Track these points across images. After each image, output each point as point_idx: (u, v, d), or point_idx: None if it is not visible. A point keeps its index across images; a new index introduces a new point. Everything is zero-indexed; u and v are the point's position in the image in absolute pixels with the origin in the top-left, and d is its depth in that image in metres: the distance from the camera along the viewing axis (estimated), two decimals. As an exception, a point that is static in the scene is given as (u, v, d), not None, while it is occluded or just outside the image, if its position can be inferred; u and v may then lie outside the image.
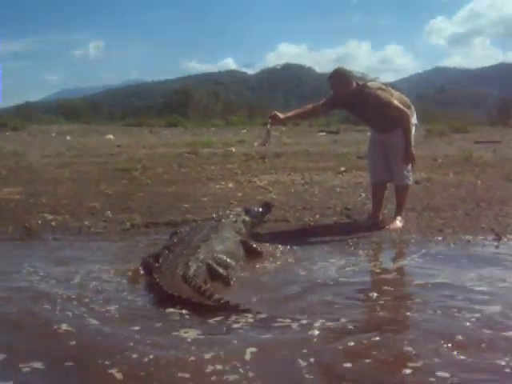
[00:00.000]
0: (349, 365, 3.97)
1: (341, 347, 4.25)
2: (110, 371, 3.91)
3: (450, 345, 4.26)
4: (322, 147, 24.19)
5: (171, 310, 5.15)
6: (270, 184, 12.91)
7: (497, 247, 7.56)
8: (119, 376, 3.86)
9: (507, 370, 3.87)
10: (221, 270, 6.29)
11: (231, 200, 10.86)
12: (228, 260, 6.60)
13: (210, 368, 3.93)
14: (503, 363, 3.96)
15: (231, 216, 7.84)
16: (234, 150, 23.06)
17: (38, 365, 4.05)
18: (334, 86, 8.69)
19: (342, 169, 15.20)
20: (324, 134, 36.41)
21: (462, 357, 4.06)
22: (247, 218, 8.01)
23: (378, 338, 4.39)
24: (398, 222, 8.73)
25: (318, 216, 9.50)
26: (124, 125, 56.02)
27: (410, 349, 4.20)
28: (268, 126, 8.95)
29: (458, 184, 12.65)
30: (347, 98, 8.66)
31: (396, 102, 8.43)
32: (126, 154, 21.46)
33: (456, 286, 5.78)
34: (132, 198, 11.46)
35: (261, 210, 8.43)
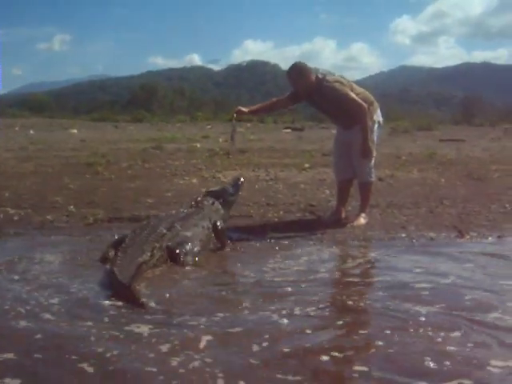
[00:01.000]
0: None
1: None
2: (81, 365, 3.88)
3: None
4: (287, 144, 24.26)
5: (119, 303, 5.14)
6: (234, 179, 12.79)
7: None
8: (90, 370, 3.83)
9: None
10: (178, 252, 6.59)
11: (196, 195, 10.77)
12: (189, 245, 6.79)
13: (173, 359, 3.95)
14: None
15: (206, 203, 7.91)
16: (198, 145, 23.04)
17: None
18: (292, 80, 8.69)
19: (307, 165, 15.24)
20: (289, 130, 36.46)
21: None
22: (219, 206, 8.04)
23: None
24: (362, 219, 8.74)
25: (281, 212, 9.49)
26: (89, 119, 55.77)
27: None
28: (233, 121, 8.99)
29: (421, 182, 12.77)
30: (307, 91, 8.67)
31: (352, 95, 8.43)
32: (90, 148, 21.27)
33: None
34: (95, 192, 11.36)
35: (232, 188, 8.46)
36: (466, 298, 5.25)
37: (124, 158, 17.52)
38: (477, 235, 8.09)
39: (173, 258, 6.59)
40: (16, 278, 5.91)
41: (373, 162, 8.77)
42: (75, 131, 35.22)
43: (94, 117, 58.39)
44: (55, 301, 5.19)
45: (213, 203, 7.97)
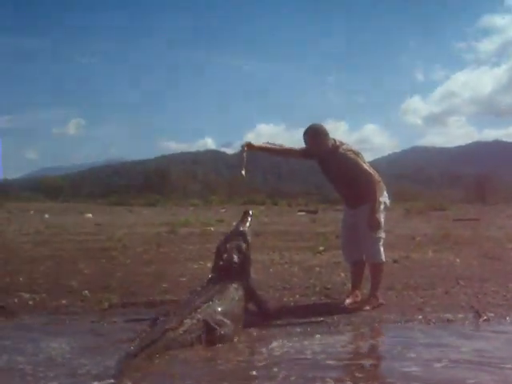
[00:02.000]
0: None
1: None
2: None
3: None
4: (301, 227, 24.31)
5: None
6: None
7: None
8: None
9: None
10: (215, 327, 6.49)
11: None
12: (225, 320, 6.70)
13: None
14: None
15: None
16: (212, 229, 23.08)
17: None
18: (307, 139, 8.59)
19: (321, 248, 15.17)
20: (303, 213, 36.53)
21: None
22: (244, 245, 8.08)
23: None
24: (373, 302, 8.59)
25: (297, 296, 9.39)
26: (104, 204, 56.15)
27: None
28: (244, 153, 8.72)
29: (436, 262, 12.65)
30: (320, 155, 8.63)
31: (365, 166, 8.35)
32: (105, 232, 21.39)
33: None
34: (110, 277, 11.33)
35: (241, 227, 8.42)
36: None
37: (139, 243, 17.54)
38: (494, 315, 8.00)
39: (209, 331, 6.48)
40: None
41: (381, 242, 8.60)
42: (90, 215, 35.45)
43: (109, 201, 58.84)
44: None
45: (237, 261, 7.84)
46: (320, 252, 14.73)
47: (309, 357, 6.18)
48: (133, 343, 5.93)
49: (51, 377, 5.56)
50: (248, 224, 8.52)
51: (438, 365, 5.79)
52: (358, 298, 8.90)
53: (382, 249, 8.65)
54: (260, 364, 5.95)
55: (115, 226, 25.82)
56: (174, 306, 7.23)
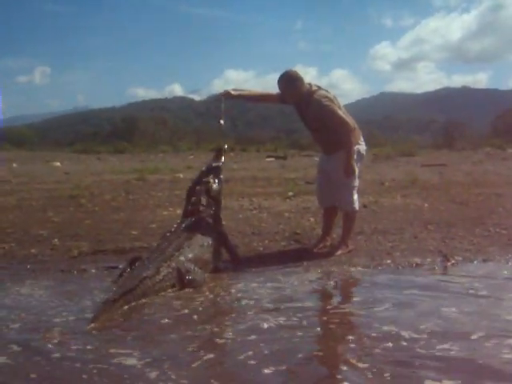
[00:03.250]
0: None
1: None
2: None
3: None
4: (270, 172, 24.27)
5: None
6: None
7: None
8: None
9: None
10: (187, 275, 6.85)
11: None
12: (194, 267, 7.04)
13: None
14: None
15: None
16: (181, 176, 23.01)
17: None
18: (281, 87, 8.51)
19: (290, 194, 15.21)
20: (272, 159, 36.44)
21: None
22: (215, 187, 8.43)
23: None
24: (341, 250, 8.64)
25: (266, 241, 9.44)
26: (71, 152, 55.72)
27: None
28: (222, 102, 8.73)
29: (405, 207, 12.77)
30: (295, 101, 8.58)
31: (340, 113, 8.24)
32: (74, 181, 21.20)
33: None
34: (79, 225, 11.31)
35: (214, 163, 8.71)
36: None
37: (107, 190, 17.49)
38: (462, 259, 8.14)
39: (180, 279, 6.82)
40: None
41: (356, 190, 8.62)
42: (58, 164, 35.17)
43: (76, 149, 58.39)
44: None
45: (207, 205, 8.20)
46: (289, 197, 14.79)
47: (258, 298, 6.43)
48: (112, 290, 6.25)
49: (28, 325, 5.63)
50: (222, 159, 8.74)
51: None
52: (328, 243, 8.97)
53: (356, 197, 8.66)
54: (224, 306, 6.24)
55: (83, 173, 25.62)
56: (147, 253, 7.48)
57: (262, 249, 9.09)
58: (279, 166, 29.11)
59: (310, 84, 8.54)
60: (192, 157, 41.50)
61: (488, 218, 11.18)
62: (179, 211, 12.48)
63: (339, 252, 8.57)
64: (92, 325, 5.45)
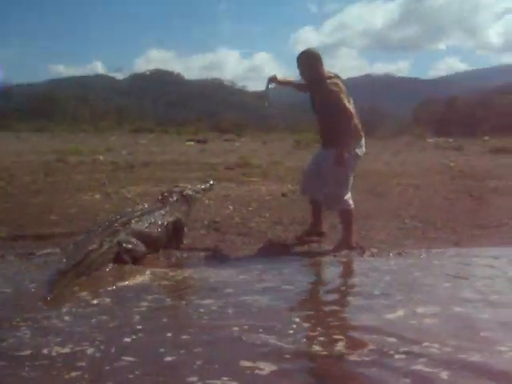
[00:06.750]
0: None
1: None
2: None
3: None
4: (190, 157, 24.35)
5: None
6: (137, 195, 12.90)
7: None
8: None
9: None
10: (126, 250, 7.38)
11: (99, 212, 10.82)
12: (136, 241, 7.59)
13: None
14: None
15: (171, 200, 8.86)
16: (101, 158, 23.00)
17: None
18: (298, 63, 8.58)
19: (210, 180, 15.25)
20: (192, 143, 36.34)
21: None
22: (189, 192, 9.16)
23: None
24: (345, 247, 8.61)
25: (185, 229, 9.37)
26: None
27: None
28: (268, 86, 9.06)
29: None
30: (309, 81, 8.69)
31: (346, 102, 8.22)
32: (-9, 161, 20.96)
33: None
34: (-2, 209, 11.29)
35: (202, 186, 9.62)
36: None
37: (27, 172, 17.40)
38: (377, 251, 8.45)
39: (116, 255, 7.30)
40: None
41: (348, 188, 8.69)
42: (-25, 142, 34.56)
43: (-6, 125, 57.29)
44: None
45: (177, 200, 8.81)
46: (208, 184, 14.81)
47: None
48: (62, 262, 6.71)
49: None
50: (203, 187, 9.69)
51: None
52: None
53: (348, 195, 8.70)
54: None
55: (2, 153, 25.26)
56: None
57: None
58: (199, 150, 29.20)
59: (329, 71, 8.60)
60: (113, 138, 41.24)
61: (404, 209, 11.53)
62: (98, 196, 12.64)
63: (339, 249, 8.54)
64: (50, 296, 5.94)
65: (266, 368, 4.43)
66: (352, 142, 8.34)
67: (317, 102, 8.65)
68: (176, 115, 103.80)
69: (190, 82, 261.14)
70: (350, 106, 8.29)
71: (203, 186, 9.69)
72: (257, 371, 4.39)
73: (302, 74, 8.71)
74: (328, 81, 8.35)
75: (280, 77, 9.02)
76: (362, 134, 8.66)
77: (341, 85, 8.44)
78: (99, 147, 28.97)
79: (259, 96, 9.93)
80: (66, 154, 23.89)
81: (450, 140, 39.30)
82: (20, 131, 50.17)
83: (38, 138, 41.53)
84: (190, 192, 9.20)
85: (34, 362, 4.54)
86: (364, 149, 8.72)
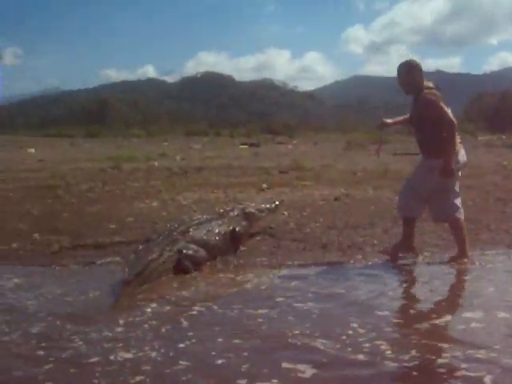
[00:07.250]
0: None
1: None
2: None
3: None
4: (244, 161, 24.44)
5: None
6: (194, 202, 13.01)
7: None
8: None
9: None
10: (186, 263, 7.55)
11: (156, 220, 10.89)
12: (197, 248, 7.82)
13: None
14: None
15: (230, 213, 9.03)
16: (156, 164, 23.18)
17: None
18: (398, 73, 8.49)
19: (265, 186, 15.41)
20: (245, 146, 36.42)
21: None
22: (251, 210, 9.34)
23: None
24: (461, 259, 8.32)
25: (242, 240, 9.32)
26: (43, 135, 55.36)
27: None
28: (381, 135, 9.46)
29: (376, 200, 12.97)
30: (407, 91, 8.52)
31: (446, 109, 8.06)
32: (49, 169, 21.23)
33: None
34: (58, 218, 11.45)
35: (267, 205, 9.82)
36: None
37: (83, 180, 17.61)
38: (431, 254, 8.40)
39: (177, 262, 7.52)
40: None
41: (459, 199, 8.40)
42: (32, 150, 34.93)
43: (48, 132, 58.07)
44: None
45: (237, 215, 9.00)
46: (263, 190, 14.99)
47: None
48: (124, 271, 7.02)
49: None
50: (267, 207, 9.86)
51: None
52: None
53: (460, 205, 8.40)
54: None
55: (58, 161, 25.59)
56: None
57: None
58: (253, 154, 29.24)
59: (427, 82, 8.43)
60: (166, 143, 41.51)
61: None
62: (155, 204, 12.73)
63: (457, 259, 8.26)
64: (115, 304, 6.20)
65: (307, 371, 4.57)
66: (455, 152, 8.16)
67: (415, 113, 8.48)
68: (228, 117, 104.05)
69: (241, 83, 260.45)
70: (450, 114, 8.09)
71: (268, 206, 9.84)
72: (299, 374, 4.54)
73: (401, 83, 8.53)
74: (426, 91, 8.21)
75: (389, 120, 8.90)
76: (462, 145, 8.43)
77: (438, 95, 8.26)
78: (153, 153, 29.20)
79: (374, 142, 10.03)
80: (120, 160, 24.19)
81: (504, 137, 38.72)
82: (72, 137, 50.73)
83: (91, 143, 42.08)
84: (252, 210, 9.36)
85: (104, 367, 4.68)
86: (466, 157, 8.41)
